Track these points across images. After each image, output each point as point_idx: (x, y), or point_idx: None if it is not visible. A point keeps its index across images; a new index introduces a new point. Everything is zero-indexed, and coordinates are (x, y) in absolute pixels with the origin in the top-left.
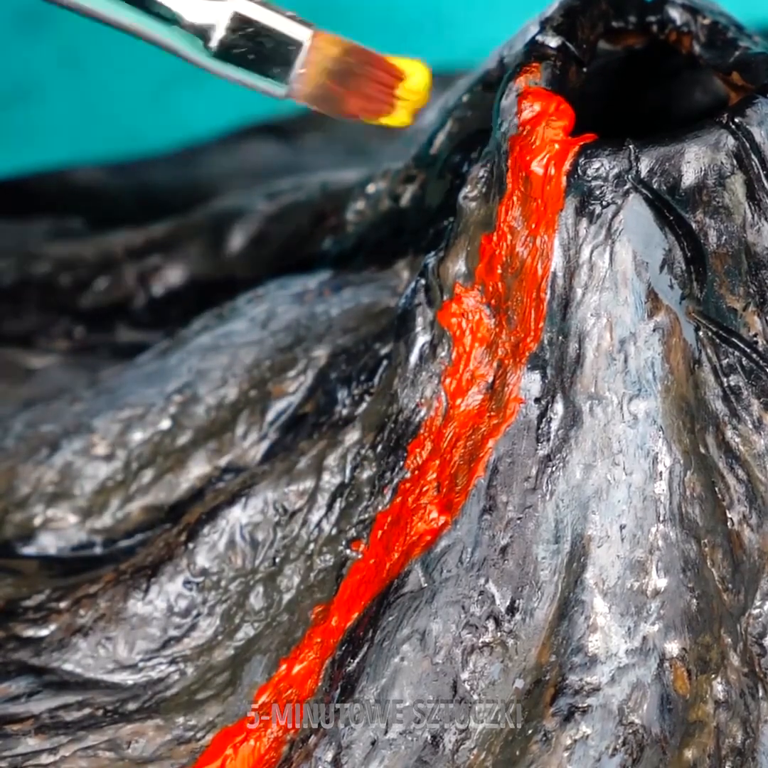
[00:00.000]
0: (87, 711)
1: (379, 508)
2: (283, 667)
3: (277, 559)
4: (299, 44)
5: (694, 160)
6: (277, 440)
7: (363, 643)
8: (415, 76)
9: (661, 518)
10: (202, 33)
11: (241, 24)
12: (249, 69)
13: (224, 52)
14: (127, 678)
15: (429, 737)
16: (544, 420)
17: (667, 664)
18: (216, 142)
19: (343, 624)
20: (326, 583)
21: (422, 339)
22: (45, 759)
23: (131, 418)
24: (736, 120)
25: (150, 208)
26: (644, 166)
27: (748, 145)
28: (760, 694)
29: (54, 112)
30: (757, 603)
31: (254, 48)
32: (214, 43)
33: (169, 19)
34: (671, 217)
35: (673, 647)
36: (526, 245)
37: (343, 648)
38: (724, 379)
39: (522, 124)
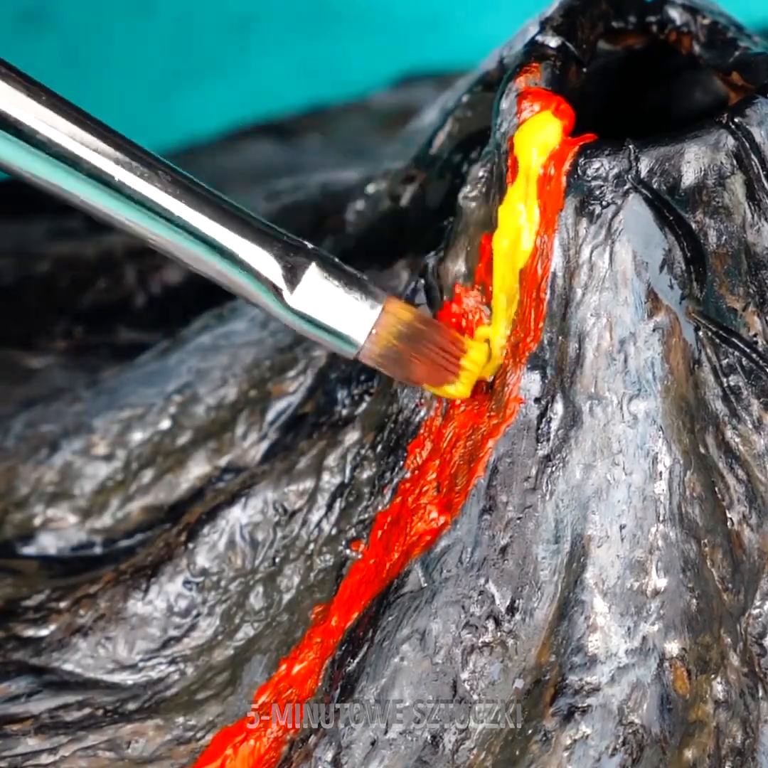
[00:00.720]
0: (87, 711)
1: (379, 508)
2: (283, 667)
3: (277, 559)
4: (373, 306)
5: (694, 160)
6: (277, 440)
7: (363, 643)
8: (477, 350)
9: (661, 518)
10: (280, 288)
11: (318, 284)
12: (323, 328)
13: (300, 310)
14: (127, 678)
15: (429, 737)
16: (544, 420)
17: (667, 664)
18: (216, 142)
19: (343, 624)
20: (326, 583)
21: None
22: (45, 759)
23: (131, 418)
24: (736, 120)
25: None
26: (644, 166)
27: (748, 145)
28: (760, 694)
29: None
30: (757, 603)
31: (329, 308)
32: (291, 299)
33: (250, 271)
34: (671, 217)
35: (673, 647)
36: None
37: (343, 648)
38: (724, 379)
39: (521, 124)
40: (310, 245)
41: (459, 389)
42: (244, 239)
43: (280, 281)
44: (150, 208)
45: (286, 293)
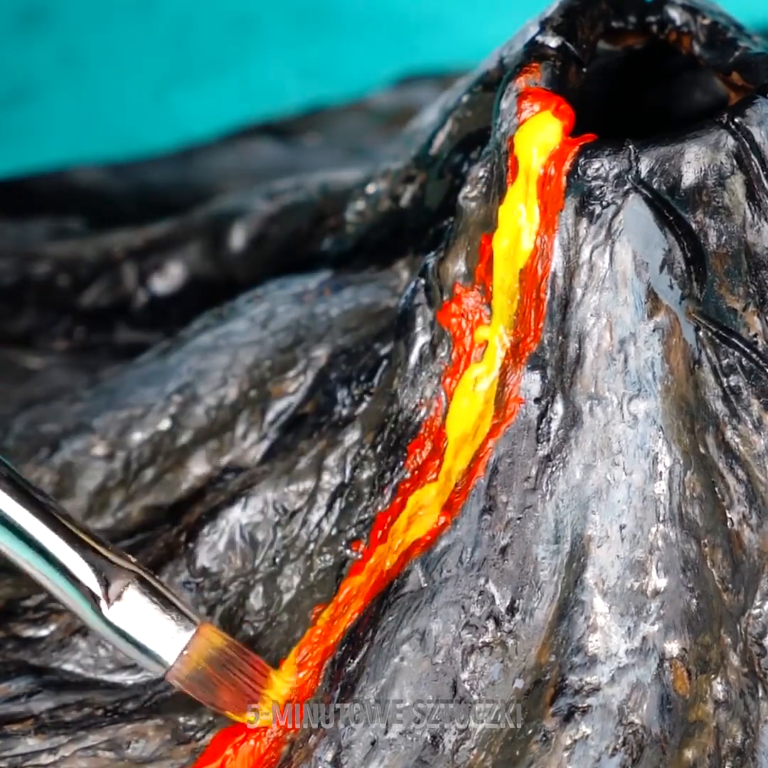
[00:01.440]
0: (87, 711)
1: (379, 508)
2: (283, 666)
3: (277, 559)
4: (188, 628)
5: (694, 160)
6: (277, 440)
7: (363, 643)
8: (282, 682)
9: (661, 518)
10: (98, 599)
11: (136, 601)
12: (135, 644)
13: (116, 624)
14: (127, 678)
15: (429, 737)
16: (544, 420)
17: (667, 664)
18: (216, 142)
19: (343, 624)
20: (326, 583)
21: (422, 339)
22: (45, 759)
23: (131, 418)
24: (736, 120)
25: (150, 208)
26: (644, 166)
27: (748, 145)
28: (760, 694)
29: (54, 112)
30: (757, 603)
31: (144, 625)
32: (108, 612)
33: (72, 579)
34: (671, 217)
35: (673, 647)
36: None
37: (343, 648)
38: (724, 379)
39: (521, 125)
40: (132, 560)
41: (261, 718)
42: (69, 547)
43: (99, 592)
44: None
45: (103, 605)
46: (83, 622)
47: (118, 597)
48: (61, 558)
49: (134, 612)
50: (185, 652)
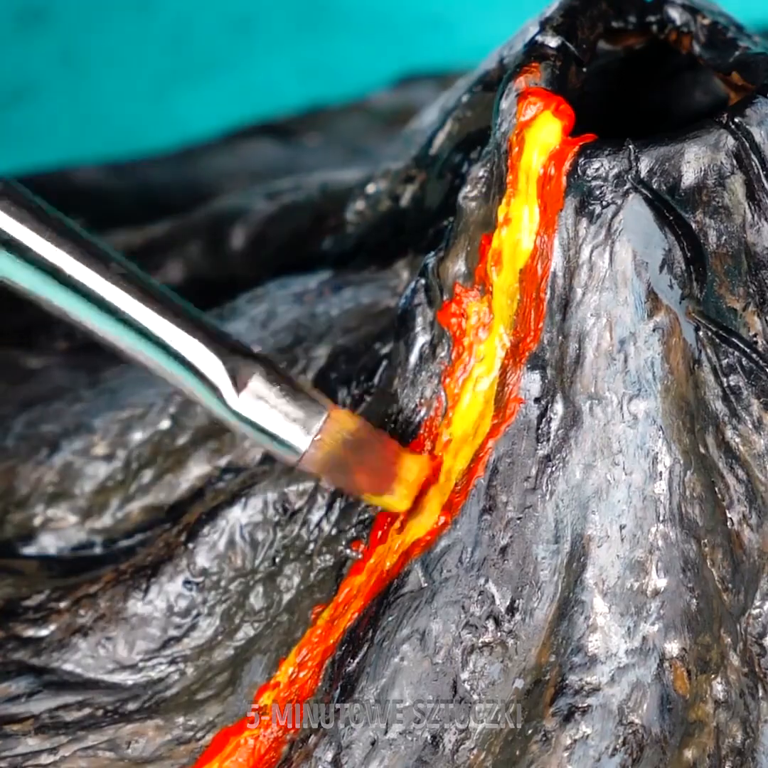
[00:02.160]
0: (87, 711)
1: (379, 508)
2: (283, 667)
3: (277, 559)
4: (319, 413)
5: (694, 160)
6: None
7: (363, 643)
8: (416, 462)
9: (661, 518)
10: (225, 391)
11: (263, 390)
12: (266, 433)
13: (244, 414)
14: (127, 678)
15: (429, 737)
16: (543, 420)
17: (667, 664)
18: (216, 142)
19: (343, 624)
20: (326, 583)
21: (422, 339)
22: (45, 759)
23: (131, 418)
24: (736, 120)
25: (150, 208)
26: (644, 166)
27: (747, 145)
28: (760, 694)
29: (54, 112)
30: (757, 603)
31: (273, 414)
32: (235, 403)
33: (196, 370)
34: (671, 217)
35: (673, 647)
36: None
37: (343, 648)
38: (724, 379)
39: (521, 125)
40: (256, 350)
41: (398, 501)
42: (194, 340)
43: (225, 384)
44: (97, 302)
45: (231, 397)
46: (212, 415)
47: (246, 387)
48: (184, 352)
49: (263, 401)
50: (317, 438)
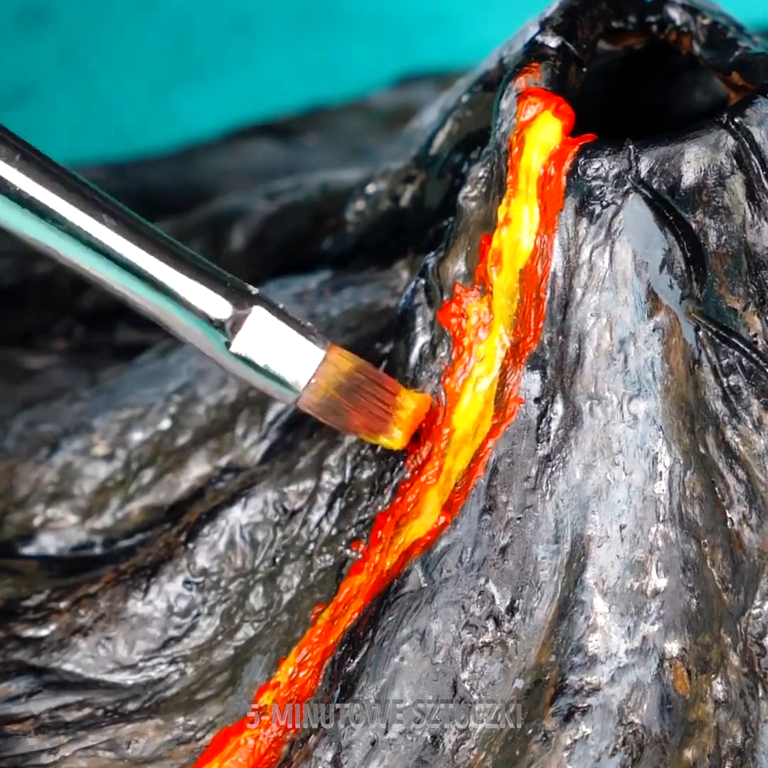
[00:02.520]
0: (87, 711)
1: (379, 508)
2: (283, 667)
3: (277, 559)
4: (315, 356)
5: (694, 160)
6: (277, 440)
7: (363, 643)
8: (414, 400)
9: (661, 518)
10: (223, 331)
11: (261, 329)
12: (263, 373)
13: (242, 353)
14: (127, 678)
15: (429, 737)
16: (543, 420)
17: (667, 664)
18: (216, 142)
19: (343, 624)
20: (326, 583)
21: (422, 339)
22: (45, 759)
23: (131, 418)
24: (736, 120)
25: (150, 208)
26: (644, 166)
27: (747, 145)
28: (760, 694)
29: (54, 112)
30: (757, 603)
31: (271, 353)
32: (233, 343)
33: (194, 311)
34: (671, 217)
35: (673, 647)
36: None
37: (343, 648)
38: (724, 379)
39: (521, 125)
40: (254, 290)
41: (394, 439)
42: (191, 280)
43: (221, 323)
44: (95, 246)
45: (228, 335)
46: (208, 356)
47: (241, 326)
48: (179, 291)
49: (259, 341)
50: (313, 381)
